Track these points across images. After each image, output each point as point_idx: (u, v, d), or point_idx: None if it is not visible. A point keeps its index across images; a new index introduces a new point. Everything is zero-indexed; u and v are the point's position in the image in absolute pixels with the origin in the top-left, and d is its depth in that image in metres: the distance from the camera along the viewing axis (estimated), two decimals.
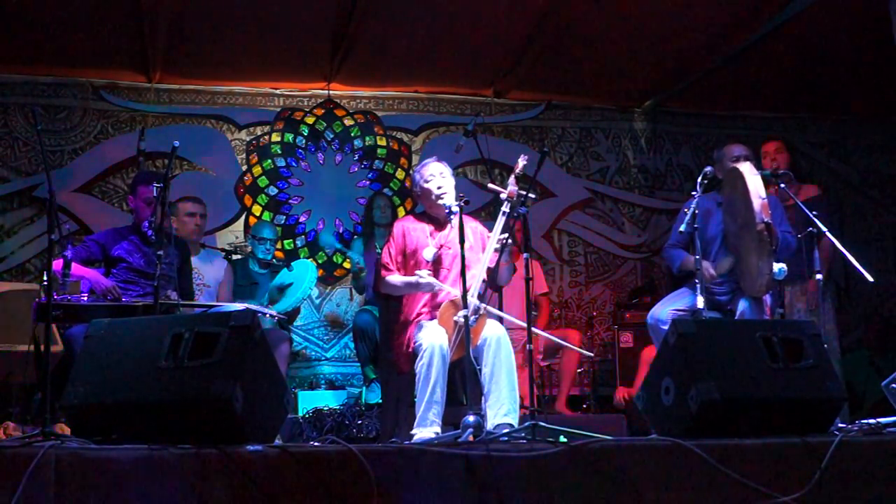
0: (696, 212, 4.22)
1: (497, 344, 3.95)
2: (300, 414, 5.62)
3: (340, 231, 6.99)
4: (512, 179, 4.12)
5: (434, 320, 4.11)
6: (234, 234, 6.80)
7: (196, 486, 2.37)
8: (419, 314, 4.22)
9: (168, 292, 4.15)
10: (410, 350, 4.10)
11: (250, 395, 2.59)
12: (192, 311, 4.21)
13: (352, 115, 7.22)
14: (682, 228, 4.22)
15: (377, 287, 4.44)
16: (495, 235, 4.10)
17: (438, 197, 4.24)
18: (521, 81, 7.03)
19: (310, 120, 7.15)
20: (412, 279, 4.20)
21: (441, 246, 4.28)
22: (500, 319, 4.20)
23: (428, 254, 4.20)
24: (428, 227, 4.37)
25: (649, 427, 3.14)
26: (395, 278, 4.30)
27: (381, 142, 7.25)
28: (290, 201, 7.02)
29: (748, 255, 4.29)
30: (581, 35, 6.22)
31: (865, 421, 3.30)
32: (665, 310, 4.44)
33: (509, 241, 4.04)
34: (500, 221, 4.10)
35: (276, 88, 7.11)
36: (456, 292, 4.02)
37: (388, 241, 4.44)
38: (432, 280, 4.14)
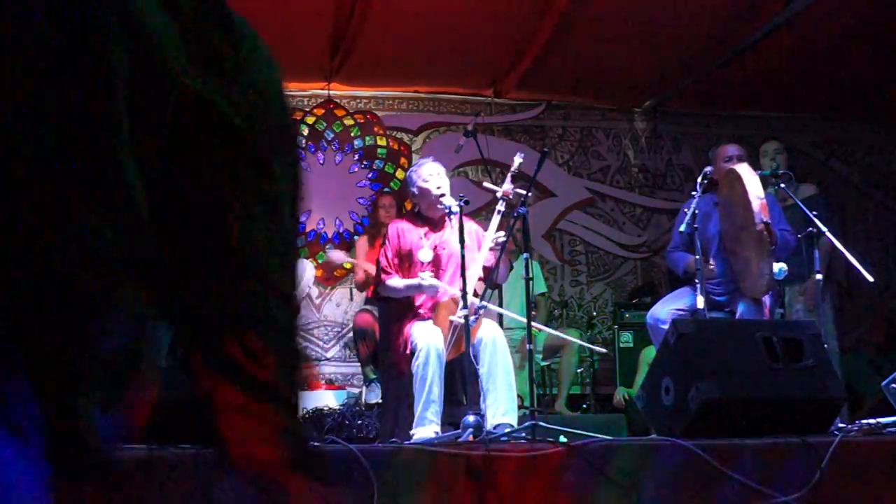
0: (696, 212, 4.23)
1: (493, 344, 3.94)
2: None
3: (341, 231, 6.98)
4: (508, 178, 4.11)
5: (430, 320, 4.10)
6: None
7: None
8: (417, 314, 4.21)
9: None
10: (408, 351, 4.09)
11: None
12: None
13: (352, 115, 7.22)
14: (681, 228, 4.22)
15: (378, 291, 4.41)
16: (490, 234, 4.10)
17: (438, 197, 4.22)
18: (521, 81, 7.02)
19: (310, 120, 7.15)
20: (414, 282, 4.16)
21: (436, 247, 4.26)
22: (501, 317, 4.20)
23: (424, 255, 4.17)
24: (422, 228, 4.33)
25: (649, 427, 3.14)
26: (396, 281, 4.23)
27: (381, 142, 7.25)
28: None
29: (748, 257, 4.28)
30: (581, 35, 6.21)
31: (865, 421, 3.30)
32: (665, 310, 4.43)
33: (506, 239, 4.03)
34: (495, 220, 4.10)
35: None
36: (457, 293, 4.01)
37: (384, 243, 4.41)
38: (435, 282, 4.11)
